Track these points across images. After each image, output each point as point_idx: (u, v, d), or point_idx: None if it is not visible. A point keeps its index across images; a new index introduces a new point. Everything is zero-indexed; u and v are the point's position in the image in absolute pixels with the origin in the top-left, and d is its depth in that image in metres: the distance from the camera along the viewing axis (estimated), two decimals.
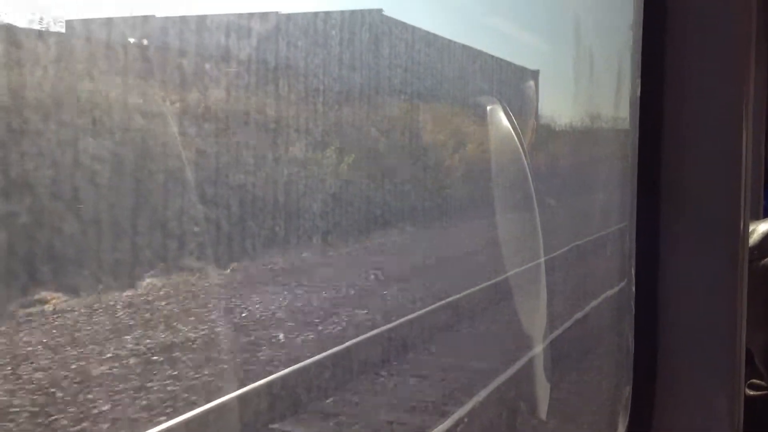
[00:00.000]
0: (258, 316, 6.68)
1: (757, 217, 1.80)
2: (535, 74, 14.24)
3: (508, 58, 13.94)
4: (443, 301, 8.06)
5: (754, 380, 1.74)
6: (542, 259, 2.35)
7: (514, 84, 14.23)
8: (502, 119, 2.13)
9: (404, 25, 11.03)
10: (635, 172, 1.48)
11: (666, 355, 1.44)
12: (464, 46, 12.94)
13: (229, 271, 7.06)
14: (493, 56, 13.62)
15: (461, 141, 12.09)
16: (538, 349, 2.71)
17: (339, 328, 6.77)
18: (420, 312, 7.57)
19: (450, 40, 12.53)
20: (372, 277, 8.61)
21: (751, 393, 1.71)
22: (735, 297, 1.41)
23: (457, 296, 8.37)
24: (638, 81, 1.47)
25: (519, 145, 2.07)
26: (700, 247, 1.41)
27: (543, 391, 2.83)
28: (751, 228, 1.61)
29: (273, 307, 6.93)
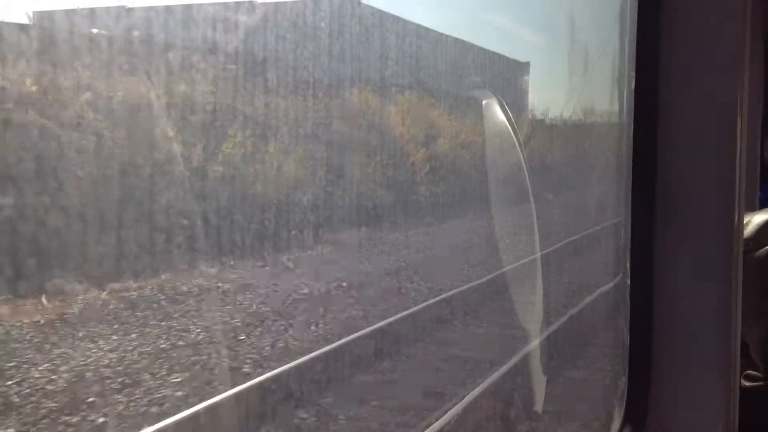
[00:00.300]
0: (29, 385, 4.70)
1: (752, 209, 1.80)
2: (525, 67, 14.04)
3: (500, 51, 13.67)
4: (315, 353, 5.98)
5: (750, 371, 1.74)
6: (538, 254, 2.36)
7: (503, 77, 13.87)
8: (497, 113, 2.13)
9: (383, 14, 10.41)
10: (630, 165, 1.49)
11: (661, 348, 1.45)
12: (447, 37, 12.41)
13: (105, 293, 5.55)
14: (481, 48, 13.18)
15: (434, 134, 11.19)
16: (534, 343, 2.72)
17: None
18: (273, 373, 5.41)
19: (435, 31, 11.87)
20: (256, 308, 6.67)
21: (747, 384, 1.72)
22: (730, 289, 1.41)
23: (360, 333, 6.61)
24: (633, 74, 1.47)
25: (515, 139, 2.08)
26: (695, 240, 1.42)
27: (539, 385, 2.84)
28: (745, 219, 1.62)
29: (68, 366, 4.97)
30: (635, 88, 1.46)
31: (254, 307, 6.69)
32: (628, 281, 1.50)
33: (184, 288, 6.28)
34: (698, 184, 1.41)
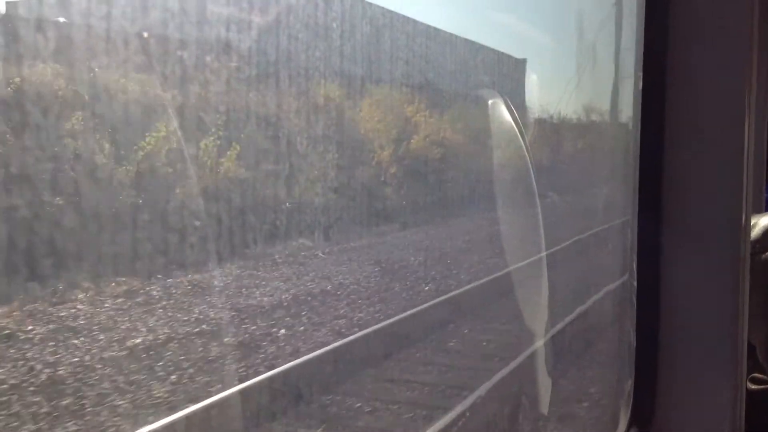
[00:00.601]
0: None
1: (759, 210, 1.80)
2: (521, 63, 13.73)
3: (501, 48, 13.29)
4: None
5: (756, 374, 1.74)
6: (543, 253, 2.35)
7: (498, 74, 13.39)
8: (503, 113, 2.12)
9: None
10: (637, 165, 1.48)
11: (667, 349, 1.44)
12: (430, 28, 11.56)
13: None
14: (473, 42, 12.52)
15: (407, 132, 9.84)
16: (539, 344, 2.71)
17: None
18: None
19: (413, 20, 10.85)
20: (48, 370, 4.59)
21: (753, 387, 1.71)
22: (736, 291, 1.41)
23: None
24: (640, 75, 1.47)
25: (520, 139, 2.07)
26: (701, 241, 1.41)
27: (544, 386, 2.83)
28: (752, 222, 1.61)
29: None
30: (642, 89, 1.46)
31: (52, 366, 4.63)
32: (635, 282, 1.49)
33: None
34: (705, 186, 1.41)
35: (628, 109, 1.71)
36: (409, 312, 7.16)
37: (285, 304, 6.81)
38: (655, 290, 1.44)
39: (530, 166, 2.14)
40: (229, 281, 6.57)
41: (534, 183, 2.16)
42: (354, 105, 8.83)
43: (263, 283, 6.96)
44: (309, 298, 7.10)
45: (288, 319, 6.50)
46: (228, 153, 6.12)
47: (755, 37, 1.41)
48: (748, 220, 1.44)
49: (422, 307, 7.39)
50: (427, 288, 8.05)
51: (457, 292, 8.00)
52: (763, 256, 1.65)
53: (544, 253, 2.33)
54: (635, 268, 1.49)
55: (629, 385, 1.52)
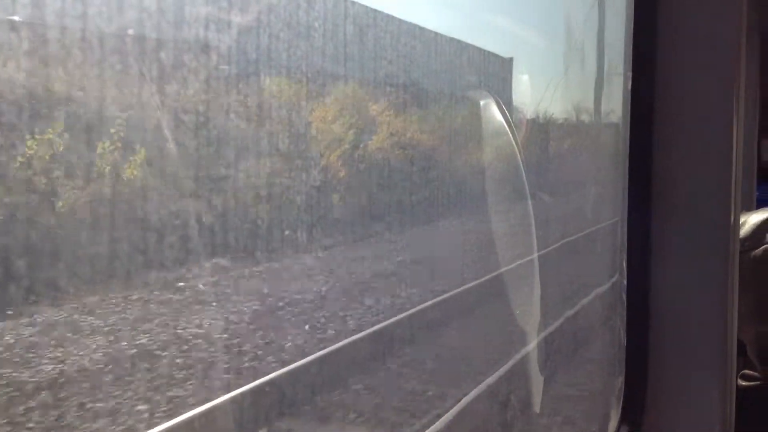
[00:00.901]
0: None
1: (750, 209, 1.81)
2: (508, 62, 13.59)
3: (487, 47, 13.10)
4: None
5: (746, 371, 1.75)
6: (535, 255, 2.35)
7: (486, 72, 13.16)
8: (495, 114, 2.12)
9: None
10: (626, 165, 1.49)
11: (658, 347, 1.45)
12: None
13: None
14: (454, 39, 12.13)
15: (367, 132, 8.92)
16: (531, 344, 2.71)
17: None
18: None
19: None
20: None
21: (743, 384, 1.72)
22: (727, 288, 1.41)
23: None
24: (629, 74, 1.47)
25: (512, 139, 2.07)
26: (691, 240, 1.42)
27: (536, 385, 2.84)
28: (742, 219, 1.62)
29: None
30: (631, 88, 1.46)
31: None
32: (625, 281, 1.50)
33: None
34: (695, 184, 1.41)
35: (617, 109, 1.72)
36: (239, 391, 4.77)
37: (91, 371, 4.53)
38: (645, 289, 1.44)
39: (522, 166, 2.14)
40: (49, 327, 4.71)
41: (526, 184, 2.17)
42: (312, 105, 7.61)
43: (92, 334, 4.86)
44: (122, 360, 4.80)
45: (71, 401, 4.23)
46: (132, 158, 4.87)
47: (744, 36, 1.42)
48: (737, 218, 1.44)
49: (268, 378, 4.94)
50: (300, 341, 5.83)
51: (340, 344, 5.71)
52: (753, 253, 1.66)
53: (536, 255, 2.33)
54: (625, 267, 1.50)
55: (620, 383, 1.52)
